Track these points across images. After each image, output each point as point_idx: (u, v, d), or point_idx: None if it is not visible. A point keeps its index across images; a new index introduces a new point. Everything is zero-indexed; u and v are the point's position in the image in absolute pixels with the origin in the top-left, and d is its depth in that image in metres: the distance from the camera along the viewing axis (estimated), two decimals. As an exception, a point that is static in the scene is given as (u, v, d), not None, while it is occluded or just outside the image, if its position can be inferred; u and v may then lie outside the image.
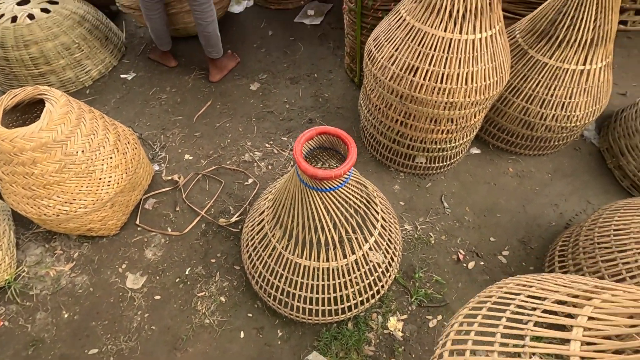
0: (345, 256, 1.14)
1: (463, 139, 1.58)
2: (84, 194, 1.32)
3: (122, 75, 2.23)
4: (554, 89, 1.53)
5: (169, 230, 1.58)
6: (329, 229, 1.06)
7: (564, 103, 1.55)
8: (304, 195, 1.02)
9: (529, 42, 1.54)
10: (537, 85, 1.55)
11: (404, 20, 1.29)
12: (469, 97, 1.30)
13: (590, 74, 1.50)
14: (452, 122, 1.43)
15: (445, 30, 1.21)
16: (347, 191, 1.03)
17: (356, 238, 1.14)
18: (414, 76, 1.30)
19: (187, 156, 1.83)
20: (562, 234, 1.46)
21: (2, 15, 1.97)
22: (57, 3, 2.06)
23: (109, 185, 1.37)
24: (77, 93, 2.13)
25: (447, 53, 1.23)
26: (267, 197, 1.28)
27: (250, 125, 1.96)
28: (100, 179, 1.34)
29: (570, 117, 1.59)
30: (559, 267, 1.33)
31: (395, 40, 1.32)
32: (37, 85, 1.27)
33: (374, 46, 1.40)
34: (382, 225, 1.22)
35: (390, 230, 1.28)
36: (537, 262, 1.47)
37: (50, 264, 1.48)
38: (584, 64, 1.47)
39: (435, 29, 1.22)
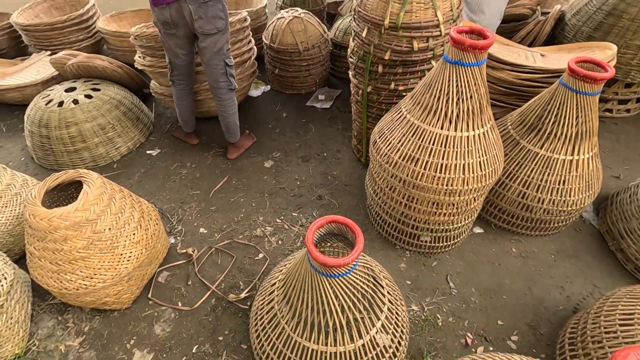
0: (352, 340, 1.16)
1: (465, 220, 1.67)
2: (105, 269, 1.39)
3: (147, 151, 2.43)
4: (547, 176, 1.65)
5: (180, 304, 1.61)
6: (337, 313, 1.10)
7: (558, 189, 1.65)
8: (313, 279, 1.08)
9: (520, 134, 1.70)
10: (531, 171, 1.67)
11: (405, 117, 1.46)
12: (466, 185, 1.42)
13: (579, 164, 1.62)
14: (452, 206, 1.53)
15: (441, 128, 1.37)
16: (354, 276, 1.09)
17: (362, 319, 1.16)
18: (414, 165, 1.43)
19: (202, 229, 1.93)
20: (571, 319, 1.46)
21: (51, 100, 2.24)
22: (99, 90, 2.35)
23: (128, 261, 1.45)
24: (105, 167, 2.32)
25: (444, 147, 1.38)
26: (278, 277, 1.33)
27: (263, 200, 2.08)
28: (121, 254, 1.43)
29: (567, 201, 1.68)
30: (570, 356, 1.31)
31: (397, 134, 1.48)
32: (77, 169, 1.43)
33: (379, 137, 1.56)
34: (389, 309, 1.25)
35: (397, 312, 1.30)
36: (547, 348, 1.44)
37: (61, 338, 1.50)
38: (572, 154, 1.61)
39: (432, 126, 1.38)
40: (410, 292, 1.63)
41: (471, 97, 1.31)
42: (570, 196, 1.67)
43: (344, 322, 1.12)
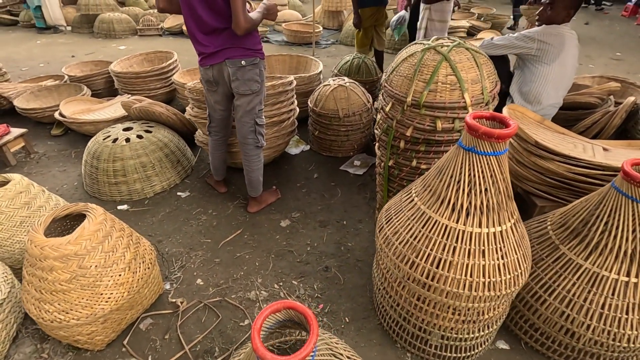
0: None
1: (481, 331, 1.38)
2: (82, 306, 1.38)
3: (178, 193, 2.54)
4: (594, 296, 1.32)
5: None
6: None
7: (609, 316, 1.31)
8: (257, 373, 0.93)
9: (561, 238, 1.42)
10: (573, 286, 1.36)
11: (412, 200, 1.32)
12: (474, 291, 1.18)
13: (639, 289, 1.28)
14: (457, 312, 1.28)
15: (449, 219, 1.19)
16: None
17: None
18: (416, 257, 1.25)
19: (199, 280, 1.87)
20: None
21: (109, 136, 2.51)
22: (150, 132, 2.59)
23: (107, 302, 1.42)
24: (137, 202, 2.46)
25: (451, 241, 1.19)
26: (241, 357, 1.19)
27: (268, 261, 1.99)
28: (101, 294, 1.41)
29: (630, 337, 1.31)
30: None
31: (402, 217, 1.33)
32: (86, 203, 1.51)
33: (385, 217, 1.42)
34: None
35: None
36: None
37: (30, 368, 1.48)
38: (629, 275, 1.28)
39: (440, 216, 1.21)
40: (399, 409, 1.34)
41: (486, 190, 1.14)
42: (628, 329, 1.30)
43: None
